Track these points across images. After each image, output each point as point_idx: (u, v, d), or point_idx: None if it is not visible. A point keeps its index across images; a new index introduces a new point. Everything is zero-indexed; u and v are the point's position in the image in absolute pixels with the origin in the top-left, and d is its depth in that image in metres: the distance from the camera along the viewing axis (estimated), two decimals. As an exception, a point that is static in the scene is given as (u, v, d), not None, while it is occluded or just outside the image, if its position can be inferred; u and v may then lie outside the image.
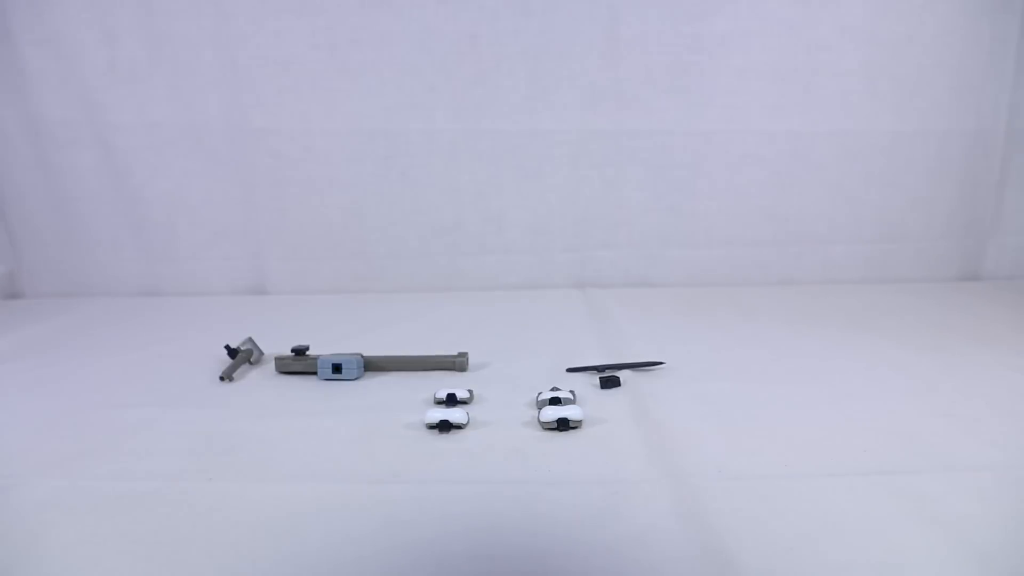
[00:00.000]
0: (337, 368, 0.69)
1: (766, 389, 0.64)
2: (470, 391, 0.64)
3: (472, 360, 0.73)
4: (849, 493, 0.46)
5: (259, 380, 0.70)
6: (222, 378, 0.69)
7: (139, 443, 0.55)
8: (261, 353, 0.76)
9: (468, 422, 0.57)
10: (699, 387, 0.65)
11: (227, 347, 0.73)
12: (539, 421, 0.57)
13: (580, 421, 0.56)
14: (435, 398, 0.63)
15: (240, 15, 0.96)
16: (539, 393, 0.62)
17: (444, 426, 0.56)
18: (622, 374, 0.68)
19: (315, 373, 0.70)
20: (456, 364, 0.72)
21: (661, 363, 0.71)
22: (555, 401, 0.60)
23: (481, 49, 0.99)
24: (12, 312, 0.99)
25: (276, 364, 0.72)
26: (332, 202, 1.05)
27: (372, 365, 0.72)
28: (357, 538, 0.42)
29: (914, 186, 1.06)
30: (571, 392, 0.62)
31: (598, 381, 0.66)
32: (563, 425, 0.56)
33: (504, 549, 0.41)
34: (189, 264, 1.07)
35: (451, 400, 0.62)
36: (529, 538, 0.42)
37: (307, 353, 0.72)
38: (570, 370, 0.70)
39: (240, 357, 0.73)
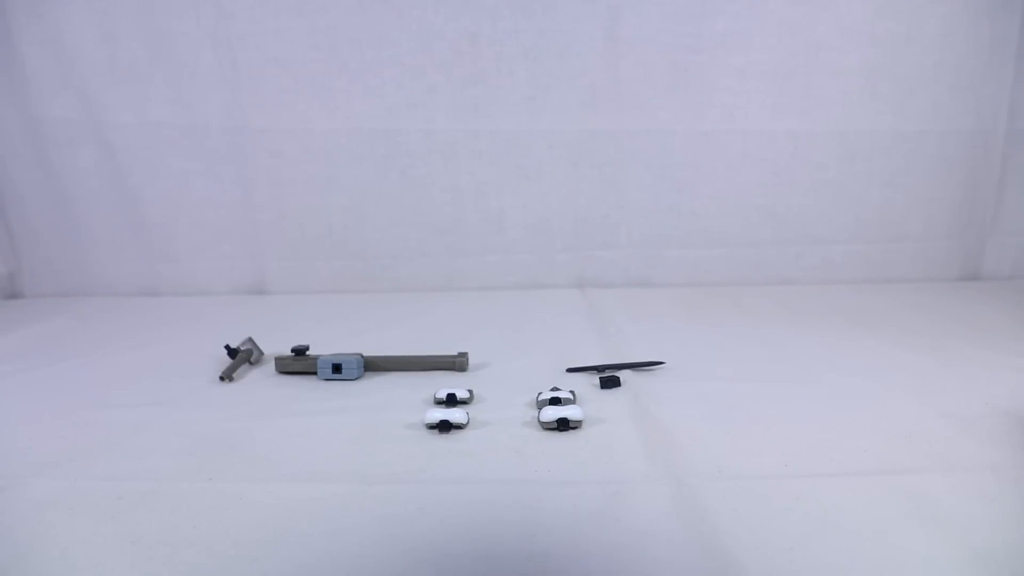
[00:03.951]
0: (337, 368, 0.69)
1: (766, 389, 0.64)
2: (470, 391, 0.64)
3: (472, 360, 0.73)
4: (849, 493, 0.46)
5: (259, 380, 0.70)
6: (222, 378, 0.69)
7: (139, 443, 0.55)
8: (261, 353, 0.76)
9: (468, 422, 0.57)
10: (699, 387, 0.65)
11: (227, 347, 0.73)
12: (539, 421, 0.57)
13: (580, 421, 0.56)
14: (435, 398, 0.63)
15: (240, 15, 0.96)
16: (539, 393, 0.62)
17: (444, 426, 0.56)
18: (622, 374, 0.68)
19: (315, 373, 0.70)
20: (456, 364, 0.72)
21: (661, 363, 0.71)
22: (555, 401, 0.60)
23: (481, 49, 0.99)
24: (12, 312, 0.99)
25: (276, 364, 0.72)
26: (332, 202, 1.05)
27: (372, 365, 0.72)
28: (357, 538, 0.42)
29: (914, 186, 1.06)
30: (571, 392, 0.62)
31: (598, 381, 0.66)
32: (563, 425, 0.56)
33: (504, 549, 0.41)
34: (189, 264, 1.07)
35: (451, 400, 0.62)
36: (529, 538, 0.42)
37: (307, 353, 0.72)
38: (570, 370, 0.70)
39: (240, 357, 0.73)
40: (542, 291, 1.06)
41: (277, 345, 0.77)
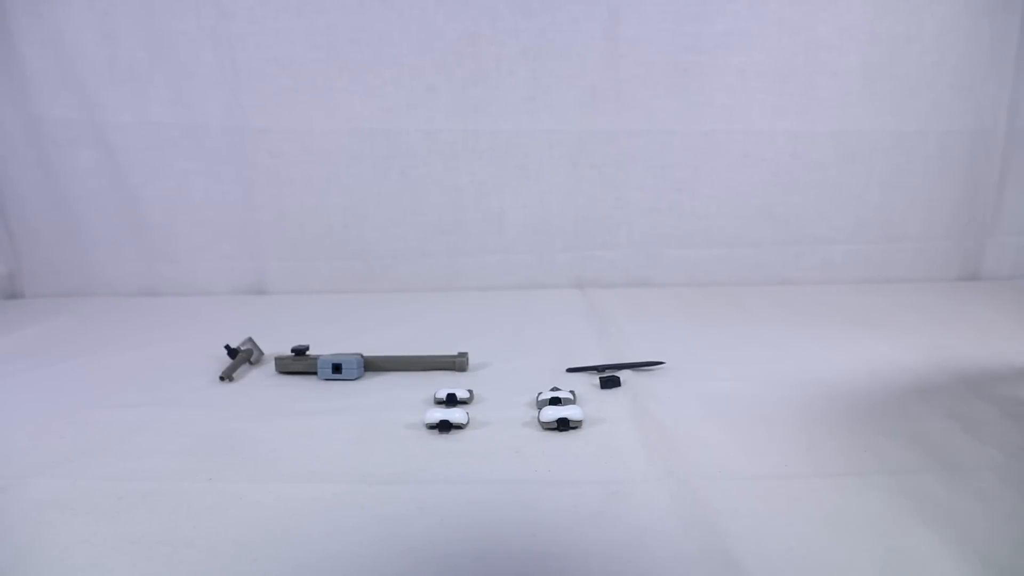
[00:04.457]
0: (337, 368, 0.69)
1: (766, 389, 0.64)
2: (470, 391, 0.64)
3: (472, 360, 0.73)
4: (849, 493, 0.46)
5: (259, 380, 0.70)
6: (222, 378, 0.69)
7: (139, 443, 0.55)
8: (261, 353, 0.76)
9: (468, 422, 0.57)
10: (699, 387, 0.65)
11: (227, 347, 0.73)
12: (539, 421, 0.57)
13: (580, 421, 0.56)
14: (435, 398, 0.63)
15: (240, 15, 0.96)
16: (539, 393, 0.62)
17: (444, 426, 0.56)
18: (622, 374, 0.68)
19: (315, 373, 0.70)
20: (456, 364, 0.72)
21: (661, 363, 0.71)
22: (555, 401, 0.60)
23: (481, 49, 0.99)
24: (12, 312, 0.99)
25: (276, 364, 0.72)
26: (332, 202, 1.05)
27: (372, 365, 0.72)
28: (357, 538, 0.42)
29: (914, 186, 1.06)
30: (571, 392, 0.62)
31: (598, 381, 0.66)
32: (563, 425, 0.56)
33: (504, 549, 0.41)
34: (189, 264, 1.07)
35: (451, 400, 0.62)
36: (529, 538, 0.42)
37: (307, 353, 0.72)
38: (570, 370, 0.70)
39: (240, 357, 0.73)
40: (542, 291, 1.06)
41: (277, 345, 0.77)
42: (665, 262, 1.08)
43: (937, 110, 1.03)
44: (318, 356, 0.70)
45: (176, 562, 0.40)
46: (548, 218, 1.07)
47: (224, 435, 0.56)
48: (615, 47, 0.99)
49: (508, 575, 0.39)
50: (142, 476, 0.49)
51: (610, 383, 0.65)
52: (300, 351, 0.72)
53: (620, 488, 0.47)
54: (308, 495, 0.47)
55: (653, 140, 1.03)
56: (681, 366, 0.71)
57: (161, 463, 0.51)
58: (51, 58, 0.97)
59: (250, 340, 0.76)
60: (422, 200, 1.05)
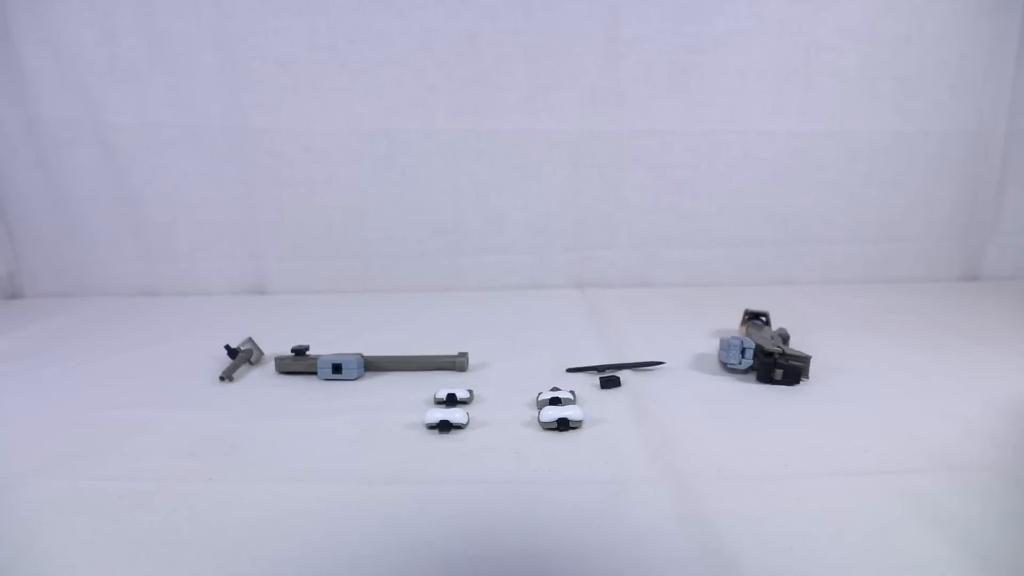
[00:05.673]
0: (337, 368, 0.69)
1: (766, 389, 0.64)
2: (470, 391, 0.64)
3: (472, 360, 0.73)
4: (849, 493, 0.46)
5: (259, 380, 0.70)
6: (222, 378, 0.69)
7: (139, 443, 0.55)
8: (261, 353, 0.76)
9: (468, 422, 0.57)
10: (699, 387, 0.65)
11: (227, 347, 0.73)
12: (539, 421, 0.57)
13: (580, 421, 0.56)
14: (435, 398, 0.63)
15: (240, 15, 0.96)
16: (539, 393, 0.62)
17: (444, 426, 0.56)
18: (622, 374, 0.68)
19: (315, 373, 0.70)
20: (456, 364, 0.72)
21: (661, 363, 0.71)
22: (555, 401, 0.60)
23: (481, 49, 0.99)
24: (12, 312, 0.99)
25: (276, 364, 0.72)
26: (332, 202, 1.05)
27: (372, 365, 0.72)
28: (357, 538, 0.42)
29: (914, 186, 1.06)
30: (571, 392, 0.62)
31: (598, 381, 0.66)
32: (563, 425, 0.56)
33: (504, 549, 0.41)
34: (189, 264, 1.07)
35: (451, 400, 0.62)
36: (529, 538, 0.42)
37: (307, 353, 0.72)
38: (570, 370, 0.70)
39: (240, 357, 0.73)
40: (542, 291, 1.06)
41: (277, 345, 0.77)
42: (665, 262, 1.08)
43: (937, 110, 1.03)
44: (318, 356, 0.70)
45: (176, 562, 0.40)
46: (548, 218, 1.06)
47: (224, 435, 0.56)
48: (615, 47, 0.99)
49: (508, 575, 0.39)
50: (142, 476, 0.49)
51: (610, 383, 0.65)
52: (300, 351, 0.72)
53: (620, 488, 0.47)
54: (308, 495, 0.47)
55: (653, 140, 1.03)
56: (681, 366, 0.71)
57: (161, 463, 0.51)
58: (51, 58, 0.97)
59: (250, 340, 0.76)
60: (422, 200, 1.05)
